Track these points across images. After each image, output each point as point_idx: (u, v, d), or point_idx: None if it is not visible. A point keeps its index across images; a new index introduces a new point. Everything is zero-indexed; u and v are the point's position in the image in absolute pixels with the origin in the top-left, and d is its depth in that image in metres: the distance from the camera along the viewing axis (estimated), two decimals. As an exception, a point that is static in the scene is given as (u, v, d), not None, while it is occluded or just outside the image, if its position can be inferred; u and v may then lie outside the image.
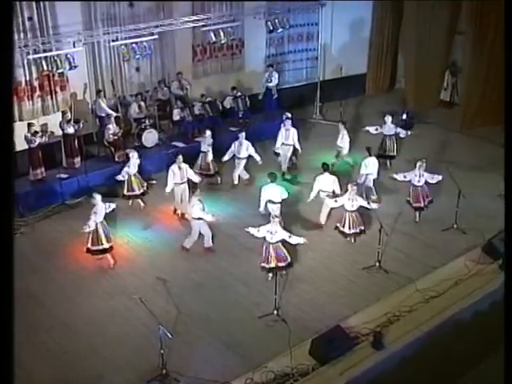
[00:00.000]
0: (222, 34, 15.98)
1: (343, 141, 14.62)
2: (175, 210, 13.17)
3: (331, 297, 10.52)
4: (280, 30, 17.32)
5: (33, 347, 9.27)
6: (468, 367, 9.88)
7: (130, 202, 13.43)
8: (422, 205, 12.66)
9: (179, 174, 12.67)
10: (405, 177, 12.66)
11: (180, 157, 12.75)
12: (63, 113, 14.23)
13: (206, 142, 14.24)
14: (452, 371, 9.68)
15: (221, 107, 16.54)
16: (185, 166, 12.77)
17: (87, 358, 9.19)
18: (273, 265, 10.51)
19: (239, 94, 16.85)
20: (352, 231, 11.85)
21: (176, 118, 15.84)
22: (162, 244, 12.18)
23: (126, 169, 13.07)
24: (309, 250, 11.83)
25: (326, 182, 12.45)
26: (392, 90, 21.09)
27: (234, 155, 14.12)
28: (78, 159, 14.32)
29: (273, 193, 12.11)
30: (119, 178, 13.03)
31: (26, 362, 8.85)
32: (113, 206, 11.57)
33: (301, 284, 10.87)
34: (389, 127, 15.14)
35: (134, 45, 14.48)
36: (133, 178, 13.22)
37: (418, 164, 12.48)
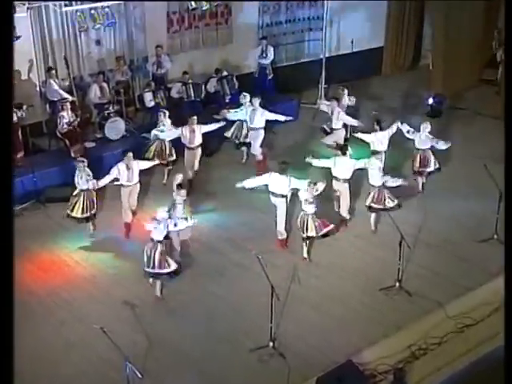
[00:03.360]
0: (203, -2, 16.01)
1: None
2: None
3: (341, 324, 10.46)
4: (276, -6, 17.36)
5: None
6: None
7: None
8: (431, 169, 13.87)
9: (126, 173, 12.45)
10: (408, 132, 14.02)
11: (130, 154, 12.52)
12: (1, 96, 14.14)
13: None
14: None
15: (204, 91, 16.54)
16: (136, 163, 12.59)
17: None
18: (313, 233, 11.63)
19: (225, 73, 16.85)
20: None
21: (150, 104, 15.79)
22: (130, 260, 12.08)
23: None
24: (313, 265, 11.82)
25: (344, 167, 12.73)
26: (415, 67, 21.13)
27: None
28: (21, 155, 14.23)
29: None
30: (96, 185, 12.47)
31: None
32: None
33: (303, 308, 10.80)
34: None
35: (92, 11, 14.42)
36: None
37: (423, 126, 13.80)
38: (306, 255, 12.08)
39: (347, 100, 15.60)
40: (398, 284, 11.22)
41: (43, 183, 13.86)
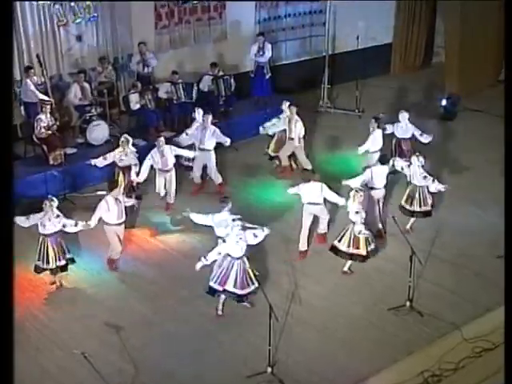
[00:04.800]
0: (195, -10, 16.09)
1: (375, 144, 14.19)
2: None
3: (346, 348, 10.43)
4: (274, -14, 17.44)
5: None
6: None
7: None
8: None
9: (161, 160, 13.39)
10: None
11: (162, 139, 13.39)
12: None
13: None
14: None
15: (196, 91, 16.56)
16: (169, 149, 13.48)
17: None
18: None
19: (221, 73, 16.87)
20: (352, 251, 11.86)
21: (136, 106, 15.80)
22: (114, 277, 12.08)
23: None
24: (315, 283, 11.80)
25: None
26: (427, 66, 21.16)
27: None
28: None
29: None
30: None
31: None
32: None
33: (304, 330, 10.76)
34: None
35: (72, 3, 14.41)
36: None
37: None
38: (346, 268, 12.11)
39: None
40: (408, 303, 11.19)
41: (18, 194, 13.77)
